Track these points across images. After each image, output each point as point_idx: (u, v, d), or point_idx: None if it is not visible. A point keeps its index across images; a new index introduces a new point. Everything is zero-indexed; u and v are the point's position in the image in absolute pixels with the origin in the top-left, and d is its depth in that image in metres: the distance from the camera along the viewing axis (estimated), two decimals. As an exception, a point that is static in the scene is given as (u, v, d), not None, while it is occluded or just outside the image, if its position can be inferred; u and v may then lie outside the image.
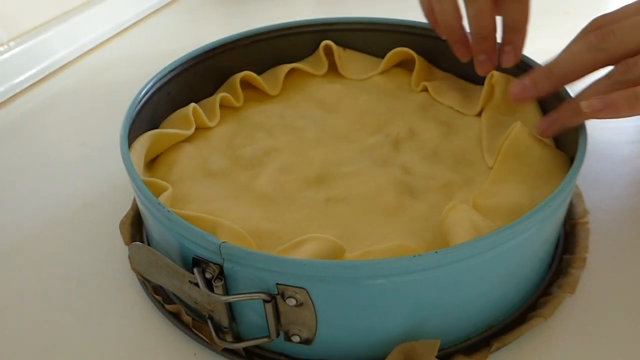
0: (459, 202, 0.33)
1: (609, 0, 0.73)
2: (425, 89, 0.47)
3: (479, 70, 0.42)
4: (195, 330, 0.33)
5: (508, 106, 0.42)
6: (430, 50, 0.49)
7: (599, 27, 0.34)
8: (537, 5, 0.71)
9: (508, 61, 0.40)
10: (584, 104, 0.32)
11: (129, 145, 0.37)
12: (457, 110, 0.45)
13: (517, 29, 0.40)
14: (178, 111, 0.44)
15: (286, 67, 0.48)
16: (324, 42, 0.49)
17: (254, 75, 0.47)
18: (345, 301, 0.28)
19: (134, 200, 0.41)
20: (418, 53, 0.48)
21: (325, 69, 0.50)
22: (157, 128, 0.43)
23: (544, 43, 0.59)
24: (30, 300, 0.37)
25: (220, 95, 0.45)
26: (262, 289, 0.28)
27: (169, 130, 0.41)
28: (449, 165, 0.39)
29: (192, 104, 0.43)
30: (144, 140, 0.39)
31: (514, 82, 0.37)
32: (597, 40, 0.33)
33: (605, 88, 0.33)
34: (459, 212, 0.32)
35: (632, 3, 0.35)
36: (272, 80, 0.49)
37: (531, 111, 0.41)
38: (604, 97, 0.32)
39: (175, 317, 0.34)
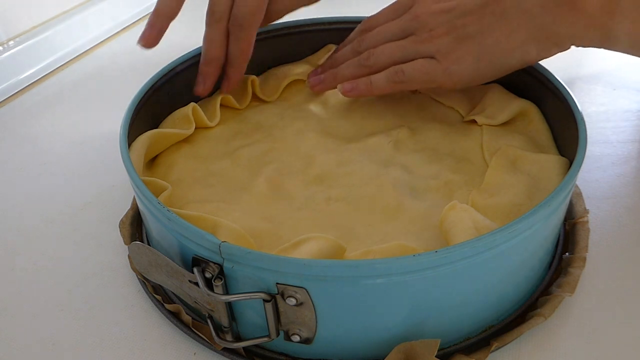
0: (459, 202, 0.33)
1: None
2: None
3: (195, 90, 0.45)
4: (195, 330, 0.33)
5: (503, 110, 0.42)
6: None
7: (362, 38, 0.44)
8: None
9: (223, 89, 0.45)
10: (339, 87, 0.43)
11: (129, 145, 0.37)
12: (457, 111, 0.45)
13: (233, 64, 0.44)
14: (178, 111, 0.44)
15: (289, 77, 0.49)
16: (321, 59, 0.50)
17: (257, 81, 0.47)
18: (345, 301, 0.28)
19: (134, 199, 0.41)
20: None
21: None
22: (157, 128, 0.43)
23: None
24: (30, 299, 0.37)
25: (221, 96, 0.46)
26: (262, 289, 0.28)
27: (168, 130, 0.41)
28: (449, 165, 0.39)
29: (192, 104, 0.43)
30: (144, 140, 0.39)
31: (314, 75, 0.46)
32: (363, 59, 0.43)
33: (354, 70, 0.43)
34: (458, 212, 0.32)
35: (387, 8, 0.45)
36: (272, 85, 0.49)
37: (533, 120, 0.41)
38: (352, 84, 0.42)
39: (175, 316, 0.34)
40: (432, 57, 0.39)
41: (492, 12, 0.38)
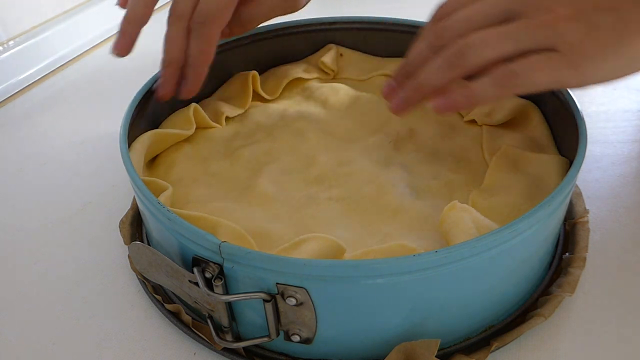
0: (459, 202, 0.33)
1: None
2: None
3: (155, 95, 0.41)
4: (195, 330, 0.33)
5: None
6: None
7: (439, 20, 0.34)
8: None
9: (181, 93, 0.41)
10: (430, 106, 0.32)
11: (129, 145, 0.37)
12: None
13: (192, 65, 0.40)
14: (179, 111, 0.44)
15: (289, 77, 0.49)
16: (321, 59, 0.50)
17: (257, 76, 0.47)
18: (345, 301, 0.28)
19: (134, 199, 0.41)
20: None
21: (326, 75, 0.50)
22: (157, 128, 0.43)
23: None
24: (30, 299, 0.37)
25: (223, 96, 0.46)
26: (262, 289, 0.28)
27: (169, 130, 0.41)
28: (449, 165, 0.39)
29: (193, 104, 0.43)
30: (144, 140, 0.39)
31: (390, 92, 0.35)
32: (453, 57, 0.32)
33: (442, 74, 0.32)
34: (458, 212, 0.32)
35: None
36: (272, 84, 0.49)
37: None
38: (447, 99, 0.32)
39: (175, 316, 0.34)
40: (551, 50, 0.29)
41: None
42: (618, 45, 0.29)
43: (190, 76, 0.41)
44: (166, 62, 0.40)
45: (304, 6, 0.45)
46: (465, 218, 0.31)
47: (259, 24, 0.43)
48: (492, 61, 0.30)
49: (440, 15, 0.34)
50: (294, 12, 0.45)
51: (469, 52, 0.30)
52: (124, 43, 0.40)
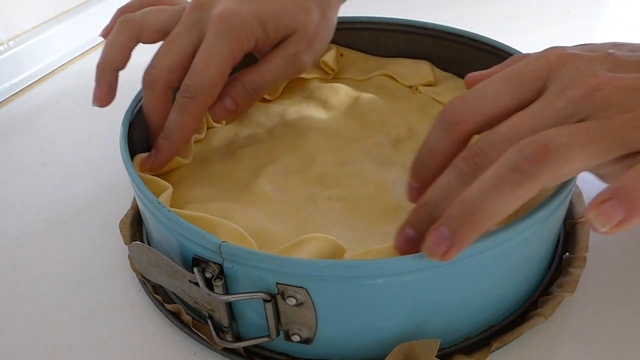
0: None
1: (609, 0, 0.73)
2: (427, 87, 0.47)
3: (142, 164, 0.37)
4: (195, 330, 0.33)
5: None
6: (430, 49, 0.49)
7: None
8: (537, 5, 0.72)
9: (146, 165, 0.37)
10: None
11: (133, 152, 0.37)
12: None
13: (169, 137, 0.37)
14: None
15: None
16: (321, 59, 0.50)
17: None
18: (345, 301, 0.28)
19: (134, 199, 0.41)
20: (418, 52, 0.48)
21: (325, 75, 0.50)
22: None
23: (544, 43, 0.60)
24: (30, 299, 0.37)
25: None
26: (262, 289, 0.28)
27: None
28: (449, 165, 0.39)
29: None
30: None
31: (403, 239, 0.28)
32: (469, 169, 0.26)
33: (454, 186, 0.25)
34: None
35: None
36: None
37: None
38: None
39: (175, 316, 0.34)
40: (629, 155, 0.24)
41: None
42: None
43: (164, 147, 0.37)
44: (150, 132, 0.38)
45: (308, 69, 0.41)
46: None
47: (265, 94, 0.40)
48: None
49: (461, 129, 0.27)
50: (299, 75, 0.41)
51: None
52: (102, 93, 0.38)
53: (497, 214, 0.23)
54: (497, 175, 0.23)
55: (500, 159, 0.24)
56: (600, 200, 0.22)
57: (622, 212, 0.22)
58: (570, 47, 0.28)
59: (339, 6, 0.43)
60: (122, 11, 0.42)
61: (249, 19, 0.36)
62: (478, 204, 0.23)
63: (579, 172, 0.24)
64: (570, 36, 0.63)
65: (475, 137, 0.28)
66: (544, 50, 0.28)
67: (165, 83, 0.37)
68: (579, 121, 0.24)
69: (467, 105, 0.27)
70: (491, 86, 0.27)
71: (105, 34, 0.41)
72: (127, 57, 0.38)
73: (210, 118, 0.44)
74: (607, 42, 0.29)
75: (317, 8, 0.40)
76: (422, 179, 0.28)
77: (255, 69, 0.39)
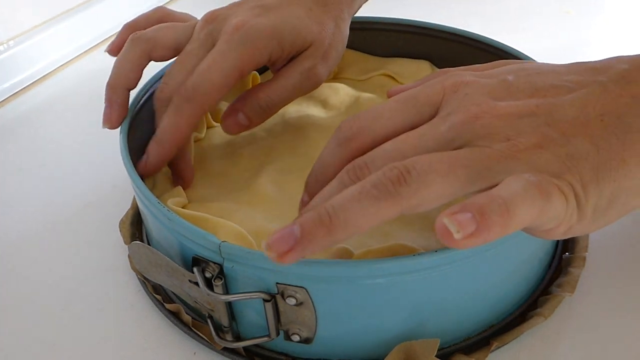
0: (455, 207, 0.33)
1: (609, 0, 0.73)
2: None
3: (138, 166, 0.36)
4: (195, 330, 0.33)
5: None
6: (430, 49, 0.49)
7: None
8: (538, 5, 0.72)
9: (138, 168, 0.35)
10: None
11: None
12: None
13: (160, 141, 0.35)
14: None
15: None
16: None
17: (258, 77, 0.47)
18: (345, 300, 0.28)
19: (134, 199, 0.41)
20: (418, 52, 0.48)
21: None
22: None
23: (544, 43, 0.60)
24: (30, 299, 0.37)
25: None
26: (262, 288, 0.28)
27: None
28: (448, 165, 0.39)
29: None
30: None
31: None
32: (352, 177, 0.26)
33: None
34: None
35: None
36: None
37: None
38: None
39: (175, 316, 0.34)
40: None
41: (604, 123, 0.24)
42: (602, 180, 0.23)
43: (154, 152, 0.35)
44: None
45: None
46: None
47: (279, 110, 0.39)
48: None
49: (354, 146, 0.28)
50: (315, 89, 0.40)
51: (413, 182, 0.23)
52: (115, 113, 0.36)
53: (353, 224, 0.23)
54: (360, 188, 0.23)
55: (369, 176, 0.24)
56: (454, 211, 0.22)
57: (474, 224, 0.21)
58: (469, 72, 0.29)
59: (350, 18, 0.42)
60: (129, 27, 0.40)
61: (265, 32, 0.35)
62: (336, 210, 0.23)
63: (449, 199, 0.24)
64: (570, 36, 0.63)
65: None
66: (444, 75, 0.29)
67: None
68: (458, 147, 0.25)
69: (360, 122, 0.28)
70: (386, 107, 0.28)
71: (112, 49, 0.40)
72: (139, 76, 0.37)
73: (210, 117, 0.44)
74: (518, 63, 0.29)
75: (331, 21, 0.39)
76: (313, 194, 0.28)
77: (271, 85, 0.38)
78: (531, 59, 0.42)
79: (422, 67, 0.49)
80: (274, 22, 0.36)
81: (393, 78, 0.50)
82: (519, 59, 0.42)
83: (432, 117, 0.27)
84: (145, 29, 0.38)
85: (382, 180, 0.23)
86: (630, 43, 0.61)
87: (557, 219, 0.23)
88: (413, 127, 0.27)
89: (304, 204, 0.30)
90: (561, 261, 0.36)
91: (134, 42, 0.37)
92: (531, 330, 0.32)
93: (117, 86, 0.37)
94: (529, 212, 0.22)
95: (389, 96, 0.31)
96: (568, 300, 0.34)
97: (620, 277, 0.36)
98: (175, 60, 0.37)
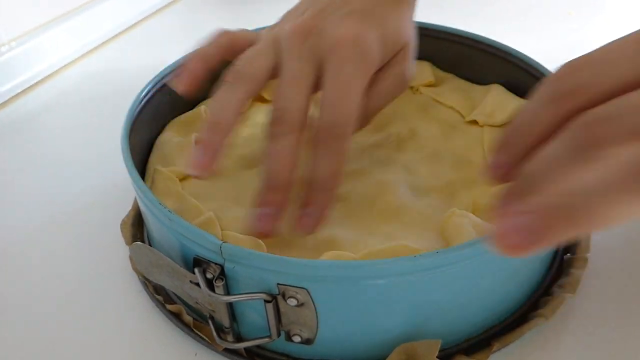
0: (457, 209, 0.33)
1: (609, 1, 0.73)
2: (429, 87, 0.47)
3: (256, 226, 0.32)
4: (196, 330, 0.33)
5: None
6: (430, 49, 0.49)
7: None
8: (538, 5, 0.72)
9: (305, 227, 0.32)
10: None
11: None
12: (458, 111, 0.45)
13: (323, 189, 0.32)
14: (192, 112, 0.44)
15: None
16: None
17: None
18: (346, 301, 0.28)
19: (135, 200, 0.41)
20: (418, 52, 0.48)
21: None
22: (158, 128, 0.43)
23: (545, 43, 0.60)
24: (31, 300, 0.37)
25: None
26: (263, 289, 0.28)
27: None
28: (450, 165, 0.39)
29: (203, 106, 0.43)
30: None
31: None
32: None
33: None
34: (458, 218, 0.32)
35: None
36: (273, 84, 0.49)
37: None
38: None
39: (176, 317, 0.34)
40: None
41: None
42: None
43: (320, 201, 0.32)
44: (273, 186, 0.32)
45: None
46: (466, 224, 0.31)
47: (375, 116, 0.37)
48: None
49: (570, 105, 0.21)
50: (405, 90, 0.38)
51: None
52: (209, 159, 0.32)
53: (606, 220, 0.18)
54: (617, 177, 0.17)
55: (633, 148, 0.17)
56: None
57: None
58: None
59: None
60: (201, 57, 0.36)
61: (376, 42, 0.33)
62: (587, 201, 0.18)
63: None
64: (570, 36, 0.63)
65: None
66: None
67: (300, 126, 0.32)
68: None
69: (582, 74, 0.21)
70: (617, 49, 0.21)
71: (186, 85, 0.36)
72: (238, 122, 0.34)
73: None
74: None
75: (411, 18, 0.37)
76: (514, 154, 0.23)
77: (366, 94, 0.34)
78: (531, 59, 0.42)
79: (423, 68, 0.48)
80: (379, 32, 0.34)
81: (394, 79, 0.50)
82: (520, 59, 0.42)
83: None
84: (216, 57, 0.36)
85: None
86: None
87: None
88: None
89: (499, 165, 0.24)
90: (563, 262, 0.36)
91: (236, 82, 0.34)
92: (532, 331, 0.32)
93: (219, 130, 0.33)
94: None
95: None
96: (569, 301, 0.34)
97: (621, 279, 0.36)
98: (283, 80, 0.34)
